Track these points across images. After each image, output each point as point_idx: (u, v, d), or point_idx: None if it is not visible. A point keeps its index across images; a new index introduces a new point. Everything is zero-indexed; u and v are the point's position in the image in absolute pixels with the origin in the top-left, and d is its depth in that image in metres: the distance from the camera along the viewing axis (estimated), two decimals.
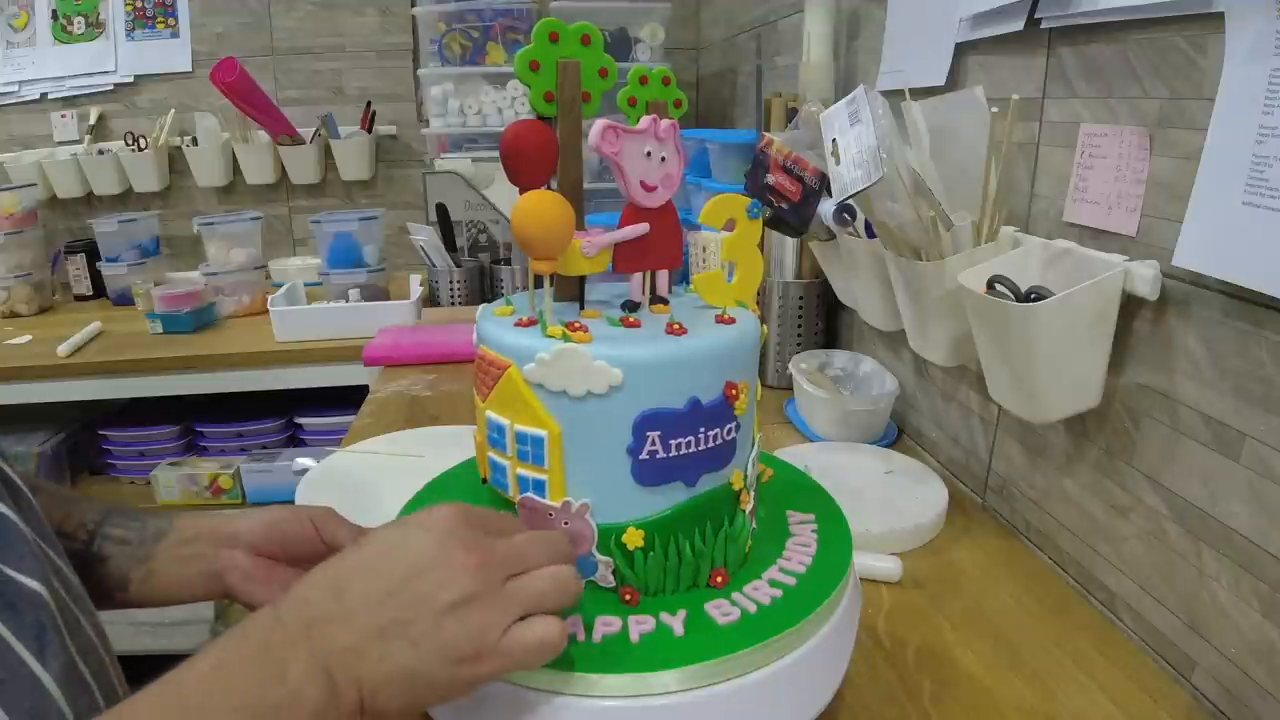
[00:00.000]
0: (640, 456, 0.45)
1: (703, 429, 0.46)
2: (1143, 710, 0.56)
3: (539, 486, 0.47)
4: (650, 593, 0.48)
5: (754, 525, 0.53)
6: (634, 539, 0.47)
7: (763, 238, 0.55)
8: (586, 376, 0.44)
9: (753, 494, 0.52)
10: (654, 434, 0.45)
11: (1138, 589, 0.62)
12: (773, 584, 0.49)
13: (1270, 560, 0.51)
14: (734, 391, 0.47)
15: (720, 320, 0.49)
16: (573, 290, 0.53)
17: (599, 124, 0.46)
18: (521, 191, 0.50)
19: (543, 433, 0.46)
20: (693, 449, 0.46)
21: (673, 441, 0.46)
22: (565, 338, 0.45)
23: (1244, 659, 0.53)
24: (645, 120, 0.48)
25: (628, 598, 0.48)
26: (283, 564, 0.54)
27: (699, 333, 0.47)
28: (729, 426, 0.48)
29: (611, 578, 0.48)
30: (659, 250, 0.51)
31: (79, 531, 0.52)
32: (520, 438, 0.46)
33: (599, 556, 0.48)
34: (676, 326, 0.47)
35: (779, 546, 0.53)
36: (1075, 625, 0.65)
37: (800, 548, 0.53)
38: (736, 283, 0.52)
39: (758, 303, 0.57)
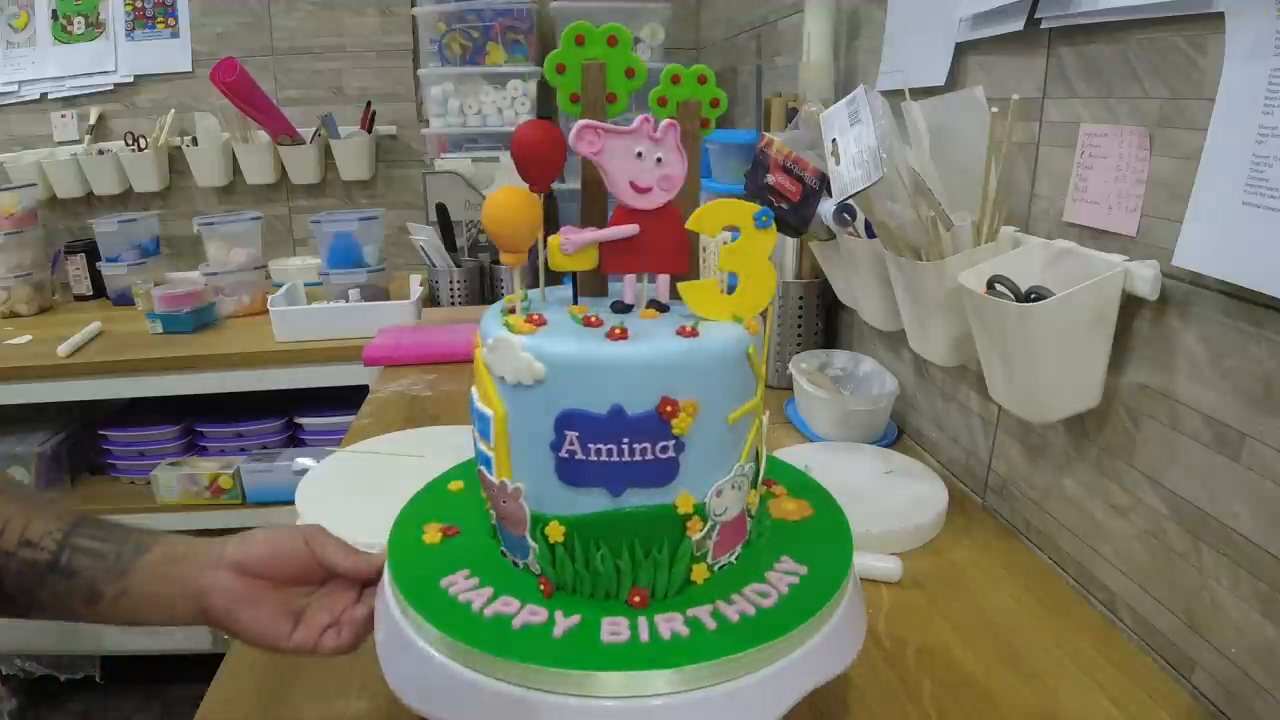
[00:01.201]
0: (560, 454, 0.46)
1: (627, 440, 0.45)
2: (1143, 710, 0.56)
3: (488, 462, 0.49)
4: (568, 590, 0.48)
5: (730, 560, 0.51)
6: (555, 533, 0.47)
7: None
8: (515, 366, 0.45)
9: (717, 526, 0.49)
10: (572, 434, 0.45)
11: (1138, 589, 0.62)
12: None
13: (1270, 560, 0.51)
14: (670, 408, 0.45)
15: (682, 333, 0.46)
16: (595, 288, 0.53)
17: (578, 124, 0.46)
18: (532, 189, 0.51)
19: (490, 412, 0.47)
20: (614, 458, 0.45)
21: (592, 446, 0.45)
22: (509, 327, 0.47)
23: (1244, 659, 0.53)
24: (637, 120, 0.47)
25: (542, 588, 0.48)
26: (271, 587, 0.52)
27: (646, 340, 0.46)
28: (663, 444, 0.45)
29: (537, 565, 0.49)
30: (653, 253, 0.50)
31: (45, 540, 0.47)
32: (478, 414, 0.49)
33: (530, 541, 0.48)
34: (618, 331, 0.46)
35: (778, 549, 0.52)
36: (1075, 625, 0.65)
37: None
38: (737, 296, 0.49)
39: None
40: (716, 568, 0.50)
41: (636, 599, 0.47)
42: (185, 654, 1.65)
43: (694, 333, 0.46)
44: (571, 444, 0.45)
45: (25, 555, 0.47)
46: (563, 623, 0.45)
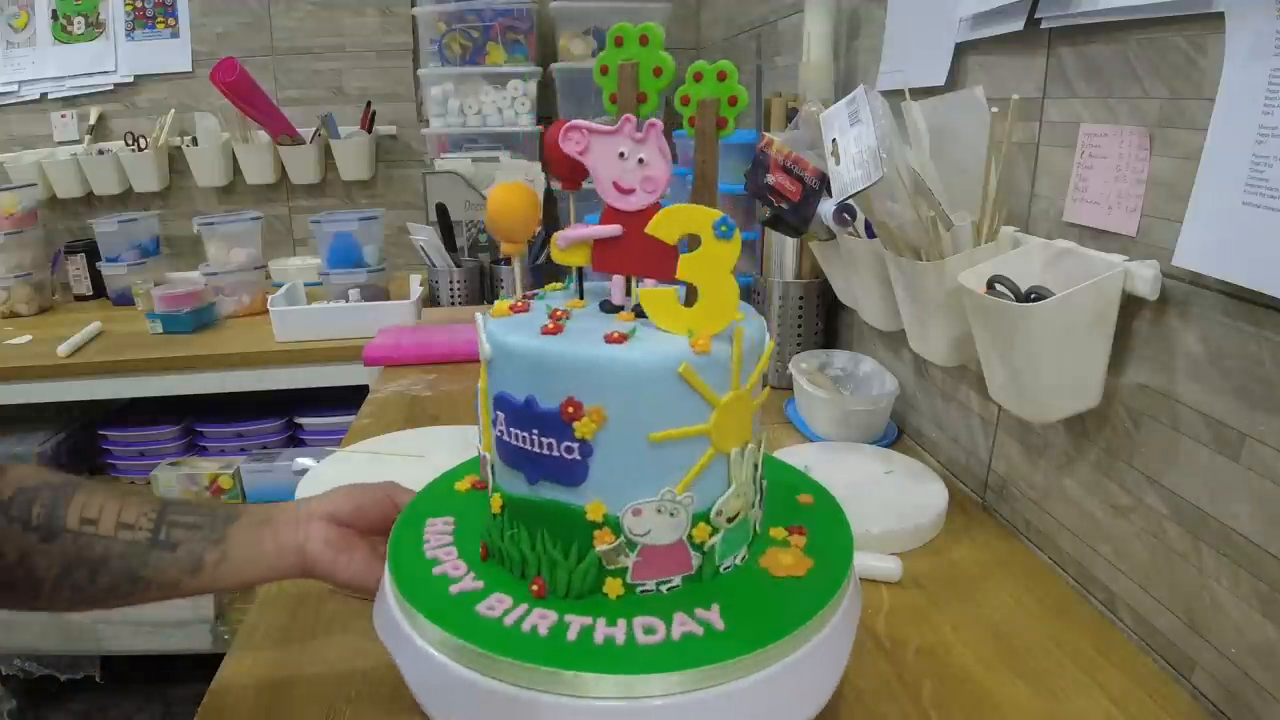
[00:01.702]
0: (496, 430, 0.49)
1: (537, 431, 0.47)
2: (1143, 710, 0.56)
3: (478, 433, 0.54)
4: (496, 560, 0.51)
5: (658, 589, 0.48)
6: (495, 504, 0.51)
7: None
8: (480, 345, 0.49)
9: (638, 546, 0.47)
10: (502, 415, 0.48)
11: (1138, 589, 0.62)
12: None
13: (1270, 560, 0.51)
14: (571, 410, 0.44)
15: (608, 339, 0.45)
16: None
17: (566, 125, 0.47)
18: (563, 187, 0.54)
19: (478, 384, 0.51)
20: (528, 446, 0.47)
21: (514, 430, 0.48)
22: (488, 311, 0.51)
23: (1244, 659, 0.53)
24: (621, 119, 0.47)
25: (481, 551, 0.52)
26: (358, 535, 0.58)
27: (571, 341, 0.46)
28: (568, 445, 0.45)
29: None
30: (636, 255, 0.48)
31: (141, 520, 0.52)
32: (478, 388, 0.52)
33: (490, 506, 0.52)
34: (551, 326, 0.47)
35: (718, 598, 0.48)
36: (1075, 625, 0.65)
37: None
38: (694, 310, 0.46)
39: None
40: (638, 590, 0.48)
41: (534, 588, 0.48)
42: (185, 654, 1.65)
43: (620, 339, 0.45)
44: (501, 425, 0.49)
45: (125, 537, 0.51)
46: (465, 583, 0.49)
